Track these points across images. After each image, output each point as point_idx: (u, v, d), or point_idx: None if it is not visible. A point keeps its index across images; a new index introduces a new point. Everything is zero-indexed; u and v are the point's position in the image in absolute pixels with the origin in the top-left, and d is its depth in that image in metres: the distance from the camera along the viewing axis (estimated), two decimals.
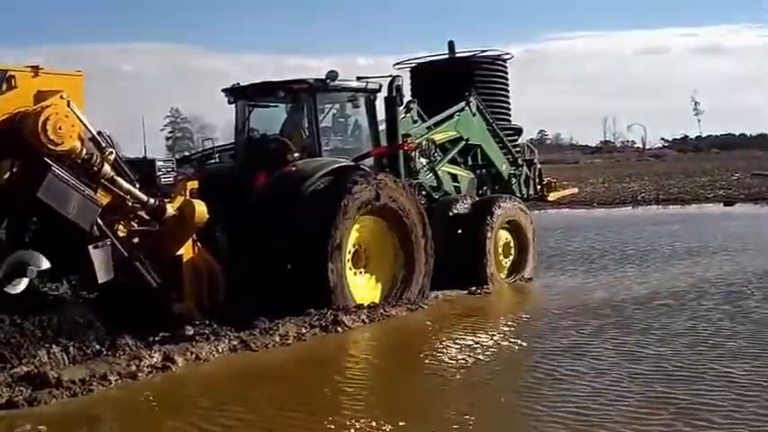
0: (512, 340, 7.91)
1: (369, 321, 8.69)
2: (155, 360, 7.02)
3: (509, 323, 8.62)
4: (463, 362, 7.11)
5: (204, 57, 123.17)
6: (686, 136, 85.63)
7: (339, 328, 8.31)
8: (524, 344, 7.71)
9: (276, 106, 10.80)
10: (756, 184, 31.79)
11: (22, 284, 7.17)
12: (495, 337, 8.00)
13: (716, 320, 8.24)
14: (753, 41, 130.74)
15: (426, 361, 7.42)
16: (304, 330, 8.14)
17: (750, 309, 8.72)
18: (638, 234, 16.98)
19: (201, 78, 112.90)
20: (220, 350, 7.46)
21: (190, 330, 7.69)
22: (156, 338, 7.61)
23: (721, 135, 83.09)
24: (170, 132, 76.38)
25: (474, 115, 12.29)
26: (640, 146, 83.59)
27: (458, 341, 7.93)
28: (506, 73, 13.80)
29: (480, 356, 7.29)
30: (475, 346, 7.69)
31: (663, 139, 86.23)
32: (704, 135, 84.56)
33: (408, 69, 13.65)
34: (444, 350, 7.66)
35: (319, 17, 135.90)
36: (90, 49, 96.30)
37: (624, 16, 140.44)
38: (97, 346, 7.21)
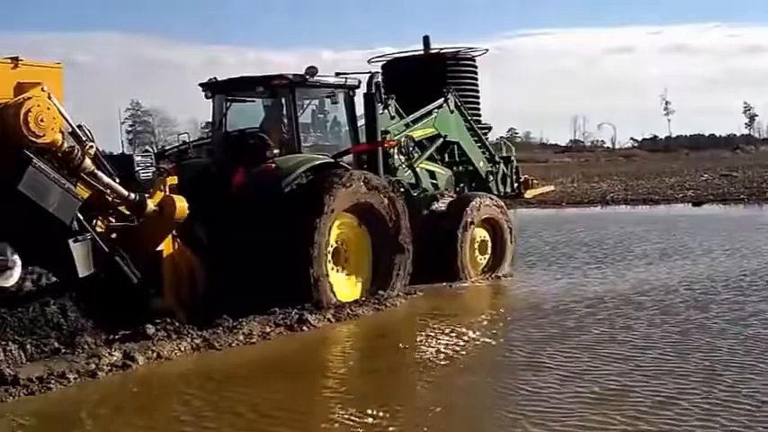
0: (457, 349, 7.73)
1: (335, 320, 8.79)
2: (115, 358, 7.04)
3: (465, 329, 8.46)
4: (416, 369, 7.12)
5: (163, 48, 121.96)
6: (656, 136, 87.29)
7: (305, 327, 8.40)
8: (473, 353, 7.59)
9: (253, 101, 10.97)
10: (725, 184, 32.18)
11: (14, 277, 7.28)
12: (444, 345, 7.88)
13: (663, 334, 7.90)
14: (721, 41, 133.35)
15: (379, 365, 7.47)
16: (269, 329, 8.20)
17: (706, 322, 8.35)
18: (604, 235, 17.15)
19: (160, 70, 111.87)
20: (182, 349, 7.50)
21: (151, 328, 7.68)
22: (117, 336, 7.61)
23: (691, 135, 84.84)
24: (130, 126, 75.73)
25: (452, 112, 12.55)
26: (610, 145, 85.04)
27: (414, 345, 8.02)
28: (476, 69, 14.06)
29: (422, 365, 7.24)
30: (427, 352, 7.69)
31: (632, 138, 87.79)
32: (674, 135, 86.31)
33: (380, 65, 13.85)
34: (400, 354, 7.74)
35: (281, 9, 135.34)
36: (41, 37, 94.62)
37: (591, 14, 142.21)
38: (56, 344, 7.21)
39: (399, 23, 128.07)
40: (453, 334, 8.26)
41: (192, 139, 11.31)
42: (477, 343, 7.98)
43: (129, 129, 74.38)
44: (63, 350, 7.12)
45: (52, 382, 6.49)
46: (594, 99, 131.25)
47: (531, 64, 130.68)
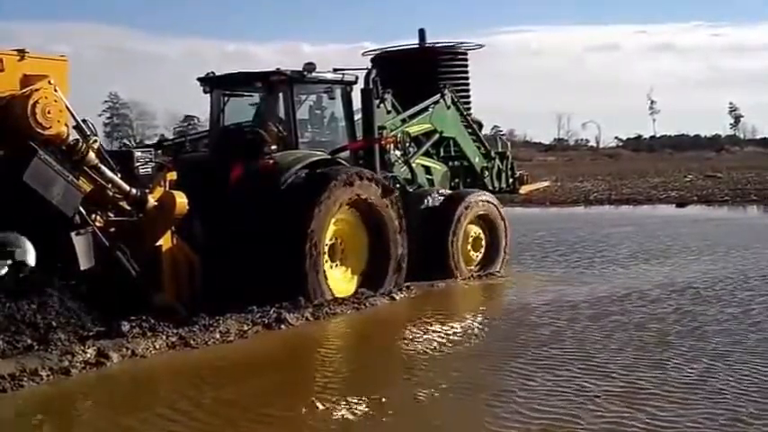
0: (413, 358, 7.66)
1: (313, 319, 8.93)
2: (88, 356, 7.10)
3: (430, 336, 8.39)
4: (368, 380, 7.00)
5: (142, 40, 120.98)
6: (640, 135, 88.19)
7: (282, 326, 8.53)
8: (424, 365, 7.40)
9: (251, 96, 11.23)
10: (709, 185, 32.69)
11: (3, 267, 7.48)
12: (401, 352, 7.92)
13: (616, 354, 7.53)
14: (705, 41, 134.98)
15: (347, 365, 7.63)
16: (246, 327, 8.33)
17: (666, 339, 8.01)
18: (585, 237, 17.33)
19: (139, 62, 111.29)
20: (158, 346, 7.58)
21: (126, 326, 7.76)
22: (91, 333, 7.67)
23: (675, 135, 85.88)
24: (108, 118, 75.42)
25: (448, 108, 12.82)
26: (594, 144, 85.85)
27: (378, 350, 8.18)
28: (467, 64, 14.28)
29: (370, 372, 7.25)
30: (379, 359, 7.75)
31: (617, 137, 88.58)
32: (658, 135, 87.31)
33: (369, 58, 14.04)
34: (356, 360, 7.89)
35: (260, 2, 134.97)
36: (19, 26, 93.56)
37: (575, 12, 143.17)
38: (29, 341, 7.26)
39: (380, 18, 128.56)
40: (416, 341, 8.28)
41: (192, 133, 11.53)
42: (435, 353, 7.86)
43: (107, 121, 74.10)
44: (36, 347, 7.17)
45: (24, 379, 6.56)
46: (579, 97, 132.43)
47: (516, 61, 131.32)
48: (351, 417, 5.90)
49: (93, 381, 6.82)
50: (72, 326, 7.70)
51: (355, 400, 6.13)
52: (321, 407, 6.05)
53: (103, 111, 75.47)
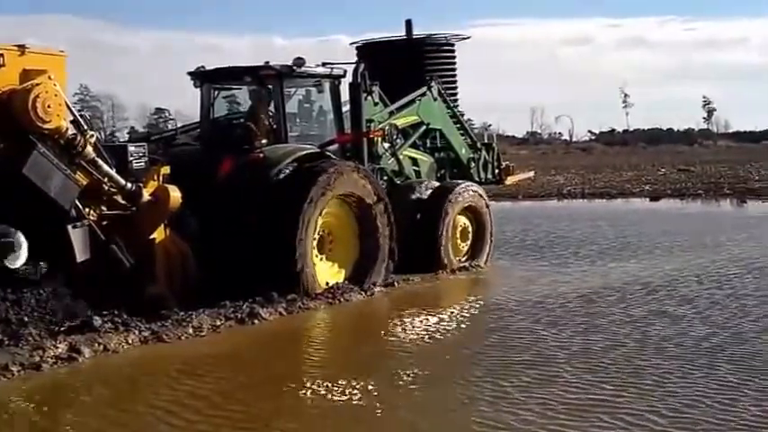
0: (377, 357, 7.80)
1: (287, 314, 9.13)
2: (59, 351, 7.23)
3: (396, 336, 8.54)
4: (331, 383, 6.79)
5: (112, 32, 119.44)
6: (613, 129, 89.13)
7: (255, 321, 8.75)
8: (381, 367, 7.38)
9: (240, 88, 11.58)
10: (682, 179, 33.26)
11: (20, 259, 7.76)
12: (370, 354, 7.98)
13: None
14: (678, 35, 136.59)
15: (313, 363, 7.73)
16: (218, 322, 8.54)
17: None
18: (557, 231, 17.69)
19: (110, 55, 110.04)
20: (130, 341, 7.74)
21: (98, 321, 7.87)
22: (62, 328, 7.80)
23: (648, 129, 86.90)
24: (79, 110, 74.65)
25: (435, 100, 13.18)
26: (567, 138, 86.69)
27: (344, 347, 8.47)
28: (455, 56, 14.60)
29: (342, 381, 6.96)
30: (339, 359, 7.94)
31: (590, 131, 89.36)
32: (632, 129, 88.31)
33: (354, 48, 14.39)
34: (328, 358, 7.99)
35: None
36: None
37: (546, 4, 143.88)
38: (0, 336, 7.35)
39: (351, 10, 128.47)
40: (381, 339, 8.45)
41: (182, 126, 11.82)
42: (397, 351, 7.94)
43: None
44: (6, 342, 7.29)
45: None
46: (552, 91, 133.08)
47: (488, 54, 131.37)
48: (319, 410, 6.14)
49: (64, 376, 6.95)
50: (45, 321, 7.86)
51: (322, 395, 6.39)
52: (288, 402, 6.27)
53: (74, 103, 74.72)
